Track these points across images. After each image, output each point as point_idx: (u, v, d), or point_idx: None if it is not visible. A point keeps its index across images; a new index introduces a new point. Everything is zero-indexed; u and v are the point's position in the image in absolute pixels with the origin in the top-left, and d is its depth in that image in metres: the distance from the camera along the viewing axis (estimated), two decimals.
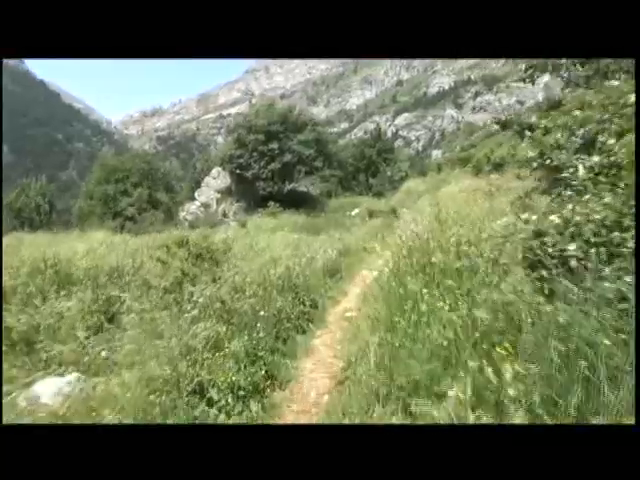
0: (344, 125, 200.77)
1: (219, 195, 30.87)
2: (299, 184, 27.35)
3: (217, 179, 31.51)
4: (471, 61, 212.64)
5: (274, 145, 26.32)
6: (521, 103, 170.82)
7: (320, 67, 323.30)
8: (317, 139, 27.58)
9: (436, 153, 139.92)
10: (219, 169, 31.25)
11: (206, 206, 30.94)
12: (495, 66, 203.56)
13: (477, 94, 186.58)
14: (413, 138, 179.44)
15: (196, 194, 32.13)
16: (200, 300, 4.36)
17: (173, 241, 6.26)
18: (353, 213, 23.39)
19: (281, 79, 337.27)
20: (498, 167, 18.33)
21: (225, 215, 29.41)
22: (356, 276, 7.96)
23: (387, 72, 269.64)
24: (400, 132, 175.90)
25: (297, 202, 26.08)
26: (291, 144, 26.40)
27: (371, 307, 4.67)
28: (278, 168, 26.15)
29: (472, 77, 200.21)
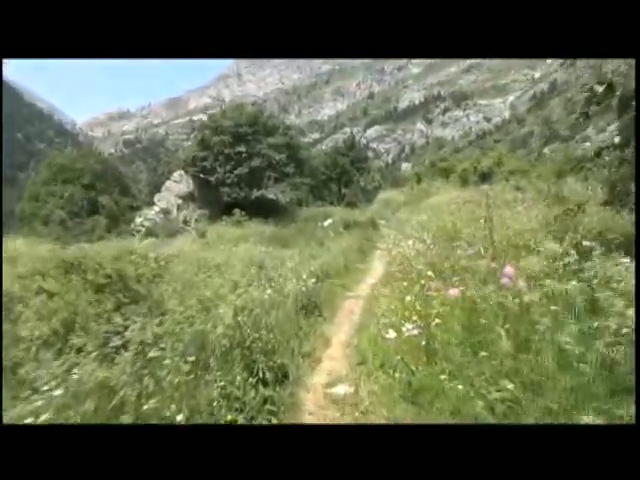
0: (315, 135, 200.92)
1: (180, 201, 28.34)
2: (268, 191, 25.06)
3: (179, 183, 28.98)
4: (441, 77, 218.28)
5: (242, 148, 24.11)
6: (488, 120, 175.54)
7: (293, 77, 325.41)
8: (288, 144, 25.54)
9: (405, 166, 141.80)
10: (181, 172, 28.72)
11: (166, 212, 28.32)
12: (464, 83, 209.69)
13: (446, 110, 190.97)
14: (383, 151, 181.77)
15: (155, 199, 29.42)
16: (58, 392, 2.25)
17: (56, 264, 4.03)
18: (326, 224, 21.54)
19: (253, 87, 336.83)
20: (485, 178, 17.01)
21: (186, 222, 26.91)
22: (339, 310, 5.95)
23: (359, 84, 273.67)
24: (370, 144, 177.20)
25: (265, 210, 23.91)
26: (260, 148, 24.24)
27: (383, 393, 2.66)
28: (245, 173, 23.90)
29: (442, 93, 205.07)
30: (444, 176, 20.71)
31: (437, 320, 2.68)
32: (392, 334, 3.00)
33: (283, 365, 3.61)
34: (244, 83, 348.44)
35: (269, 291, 4.77)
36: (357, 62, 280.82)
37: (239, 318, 3.42)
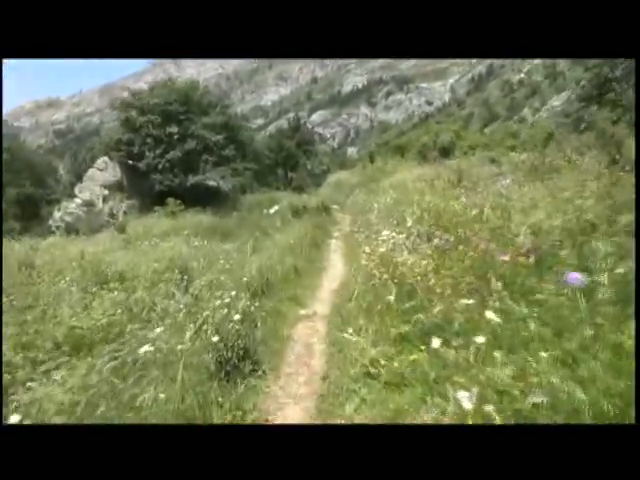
0: (259, 121, 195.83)
1: (106, 191, 24.97)
2: (206, 177, 22.31)
3: (104, 171, 25.54)
4: (382, 61, 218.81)
5: (173, 129, 21.21)
6: (430, 103, 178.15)
7: (233, 62, 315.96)
8: (227, 124, 22.85)
9: (351, 150, 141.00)
10: (106, 159, 25.30)
11: (89, 205, 24.90)
12: (405, 67, 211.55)
13: (389, 93, 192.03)
14: (328, 135, 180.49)
15: (77, 190, 25.82)
16: None
17: None
18: (272, 211, 19.35)
19: (192, 72, 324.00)
20: (447, 152, 15.48)
21: (113, 216, 23.69)
22: (289, 345, 3.83)
23: (302, 69, 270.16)
24: (316, 129, 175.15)
25: (204, 199, 21.24)
26: (195, 128, 21.42)
27: None
28: (178, 157, 21.03)
29: (384, 77, 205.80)
30: (399, 153, 19.03)
31: None
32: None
33: None
34: (183, 69, 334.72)
35: (153, 346, 2.55)
36: None
37: None
